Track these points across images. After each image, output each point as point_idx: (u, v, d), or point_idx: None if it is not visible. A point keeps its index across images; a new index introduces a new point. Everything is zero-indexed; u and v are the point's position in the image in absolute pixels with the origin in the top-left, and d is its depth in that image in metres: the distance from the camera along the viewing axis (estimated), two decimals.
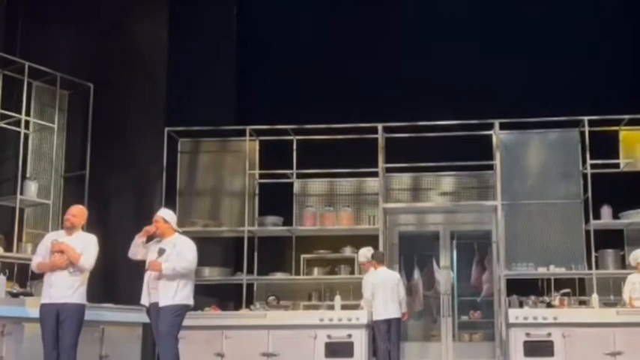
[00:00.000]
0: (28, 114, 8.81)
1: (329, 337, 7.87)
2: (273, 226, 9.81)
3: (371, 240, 9.20)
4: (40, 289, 6.52)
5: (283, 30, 11.14)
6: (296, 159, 9.97)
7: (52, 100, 9.14)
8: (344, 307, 8.57)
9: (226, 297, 9.68)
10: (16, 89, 8.70)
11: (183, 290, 6.20)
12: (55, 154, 9.07)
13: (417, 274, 10.09)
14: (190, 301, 6.31)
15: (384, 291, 8.17)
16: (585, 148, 9.30)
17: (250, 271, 9.55)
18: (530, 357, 7.75)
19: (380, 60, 10.75)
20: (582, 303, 8.68)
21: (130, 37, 9.88)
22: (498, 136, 9.47)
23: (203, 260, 9.86)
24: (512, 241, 9.28)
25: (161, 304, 6.13)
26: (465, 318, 10.00)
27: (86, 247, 6.27)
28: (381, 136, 9.53)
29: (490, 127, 9.53)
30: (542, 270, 9.17)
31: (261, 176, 10.09)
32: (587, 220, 9.27)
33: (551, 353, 7.68)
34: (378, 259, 8.42)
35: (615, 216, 9.31)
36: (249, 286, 9.58)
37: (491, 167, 9.54)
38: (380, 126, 9.53)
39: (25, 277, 7.99)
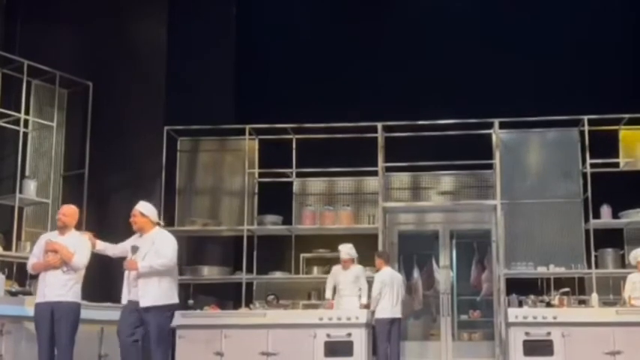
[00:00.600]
0: (27, 113, 8.80)
1: (328, 336, 7.85)
2: (272, 225, 9.81)
3: (370, 239, 9.20)
4: None
5: (283, 29, 11.13)
6: (295, 158, 9.97)
7: (52, 99, 9.13)
8: None
9: (226, 296, 9.67)
10: (16, 88, 8.68)
11: (165, 289, 5.99)
12: (55, 153, 9.06)
13: (416, 274, 10.09)
14: (175, 300, 6.10)
15: (391, 290, 8.26)
16: (585, 148, 9.30)
17: (250, 270, 9.54)
18: (530, 356, 7.74)
19: (379, 59, 10.74)
20: (582, 302, 8.66)
21: (130, 36, 9.87)
22: (498, 135, 9.47)
23: (202, 259, 9.95)
24: (511, 241, 9.28)
25: (142, 304, 5.94)
26: (464, 317, 10.00)
27: (79, 246, 6.25)
28: (380, 135, 9.53)
29: (490, 126, 9.52)
30: (541, 269, 9.17)
31: (261, 175, 10.08)
32: (586, 220, 9.27)
33: (550, 352, 7.67)
34: (385, 259, 8.46)
35: (615, 215, 9.31)
36: (249, 285, 9.57)
37: (490, 166, 9.54)
38: (379, 125, 9.52)
39: (25, 276, 7.96)
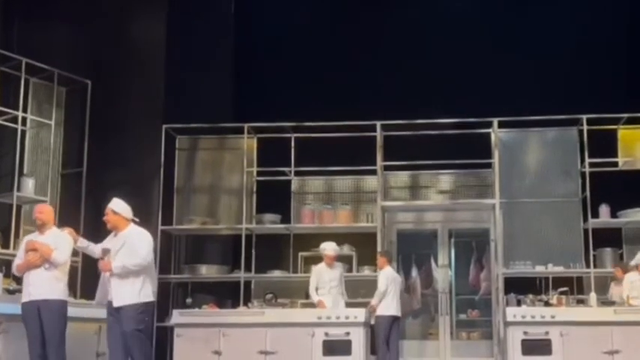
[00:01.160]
0: (25, 110, 8.78)
1: (327, 334, 7.83)
2: (271, 224, 9.80)
3: (369, 238, 9.20)
4: None
5: (282, 27, 11.13)
6: (294, 157, 9.96)
7: (50, 97, 9.11)
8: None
9: (224, 295, 9.67)
10: (14, 86, 8.67)
11: (140, 288, 5.89)
12: (53, 151, 9.04)
13: (415, 273, 10.08)
14: (150, 298, 6.01)
15: (394, 288, 8.31)
16: (584, 147, 9.30)
17: (248, 269, 9.53)
18: (528, 355, 7.72)
19: (378, 58, 10.74)
20: (580, 302, 8.66)
21: (128, 34, 9.86)
22: (497, 134, 9.46)
23: (201, 258, 9.94)
24: (510, 240, 9.28)
25: (116, 304, 5.89)
26: (462, 316, 10.00)
27: (59, 242, 6.23)
28: (379, 134, 9.52)
29: (489, 125, 9.52)
30: (540, 268, 9.17)
31: (259, 174, 10.06)
32: (585, 219, 9.27)
33: (548, 352, 7.65)
34: (388, 258, 8.48)
35: (613, 215, 9.31)
36: (247, 283, 9.56)
37: (489, 165, 9.53)
38: (378, 124, 9.51)
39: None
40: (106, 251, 5.98)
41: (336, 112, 9.57)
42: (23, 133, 8.81)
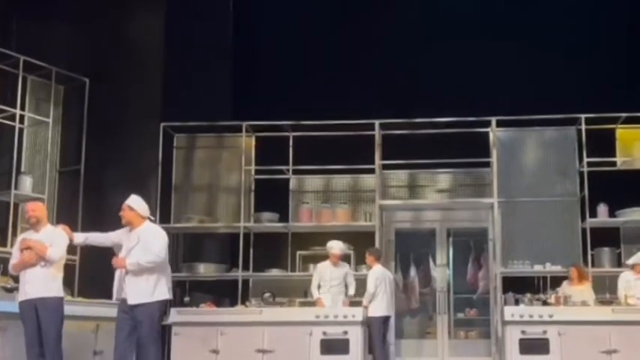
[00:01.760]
0: (23, 108, 8.76)
1: (324, 333, 7.83)
2: (269, 223, 9.79)
3: (367, 237, 9.19)
4: None
5: (280, 26, 11.12)
6: (292, 155, 9.95)
7: (48, 95, 9.10)
8: None
9: (222, 293, 9.66)
10: (11, 83, 8.65)
11: (154, 285, 5.89)
12: (50, 149, 9.03)
13: (413, 272, 10.08)
14: (165, 296, 6.00)
15: (384, 288, 8.26)
16: (582, 146, 9.30)
17: (246, 268, 9.52)
18: (526, 355, 7.73)
19: (377, 57, 10.73)
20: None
21: (127, 32, 9.84)
22: (495, 133, 9.46)
23: (198, 256, 9.92)
24: (508, 239, 9.27)
25: (130, 302, 5.89)
26: (460, 315, 9.99)
27: (54, 239, 6.23)
28: (377, 133, 9.51)
29: (487, 124, 9.52)
30: (538, 268, 9.17)
31: (258, 172, 10.05)
32: (583, 218, 9.27)
33: (546, 351, 7.66)
34: (376, 256, 8.44)
35: (611, 214, 9.31)
36: (245, 282, 9.55)
37: (487, 165, 9.52)
38: (377, 123, 9.51)
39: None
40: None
41: (335, 111, 9.56)
42: (21, 130, 8.79)
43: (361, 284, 8.43)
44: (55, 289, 6.19)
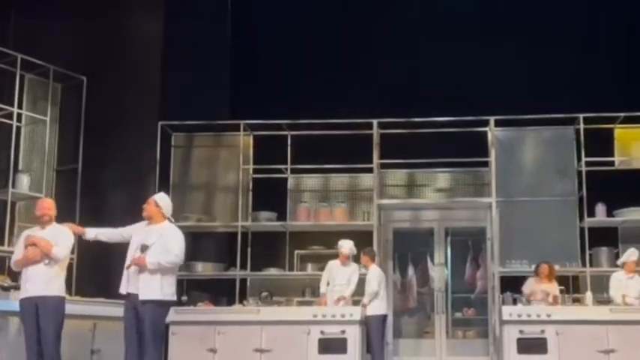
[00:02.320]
0: (20, 107, 8.74)
1: (322, 333, 7.83)
2: (266, 222, 9.78)
3: (365, 236, 9.18)
4: None
5: (278, 25, 11.10)
6: (290, 154, 9.94)
7: (45, 93, 9.08)
8: None
9: (219, 292, 9.64)
10: (9, 82, 8.62)
11: (166, 285, 5.93)
12: (48, 148, 9.01)
13: (411, 271, 10.08)
14: (173, 297, 6.05)
15: (383, 287, 8.35)
16: (580, 146, 9.30)
17: (243, 267, 9.51)
18: (524, 354, 7.73)
19: (375, 56, 10.72)
20: (576, 300, 8.67)
21: (124, 31, 9.82)
22: (493, 132, 9.46)
23: (196, 255, 9.90)
24: (506, 238, 9.27)
25: (142, 297, 5.88)
26: (458, 315, 9.99)
27: (60, 237, 6.21)
28: (376, 132, 9.51)
29: (485, 123, 9.52)
30: None
31: (255, 171, 10.04)
32: (581, 218, 9.27)
33: (544, 350, 7.66)
34: (372, 256, 8.46)
35: (609, 214, 9.32)
36: (243, 281, 9.54)
37: (486, 164, 9.53)
38: (375, 122, 9.50)
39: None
40: (145, 247, 5.93)
41: (333, 110, 9.55)
42: (18, 129, 8.77)
43: (359, 283, 8.41)
44: (57, 288, 6.17)
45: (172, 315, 7.93)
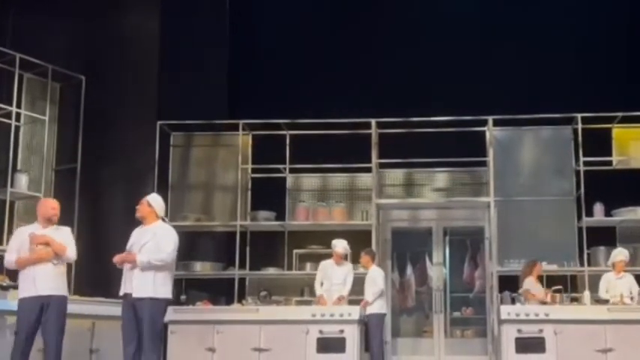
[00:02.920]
0: (19, 106, 8.73)
1: (321, 332, 7.84)
2: (265, 221, 9.79)
3: (364, 236, 9.19)
4: None
5: (277, 24, 11.11)
6: (289, 154, 9.95)
7: (44, 93, 9.07)
8: None
9: (218, 292, 9.65)
10: (7, 81, 8.62)
11: (160, 283, 5.94)
12: (46, 147, 9.00)
13: (409, 270, 10.09)
14: (168, 295, 6.06)
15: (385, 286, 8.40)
16: (578, 146, 9.32)
17: (242, 266, 9.52)
18: (522, 353, 7.74)
19: (374, 55, 10.73)
20: (574, 300, 8.69)
21: (123, 30, 9.82)
22: (492, 132, 9.47)
23: (195, 255, 9.91)
24: (504, 238, 9.28)
25: (135, 295, 5.90)
26: (457, 314, 10.00)
27: (67, 238, 6.26)
28: (374, 132, 9.52)
29: (484, 123, 9.53)
30: None
31: (254, 171, 10.05)
32: (579, 217, 9.29)
33: (542, 350, 7.67)
34: (373, 256, 8.48)
35: (608, 213, 9.33)
36: (241, 280, 9.55)
37: (484, 164, 9.54)
38: (373, 121, 9.51)
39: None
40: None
41: (331, 110, 9.57)
42: (17, 128, 8.76)
43: (358, 283, 8.43)
44: (64, 288, 6.24)
45: (171, 314, 7.97)
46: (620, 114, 9.28)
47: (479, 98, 9.89)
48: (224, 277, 9.63)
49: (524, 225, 9.43)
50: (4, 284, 7.20)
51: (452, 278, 10.13)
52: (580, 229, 9.20)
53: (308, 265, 9.59)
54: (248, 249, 9.67)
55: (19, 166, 8.78)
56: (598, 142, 9.43)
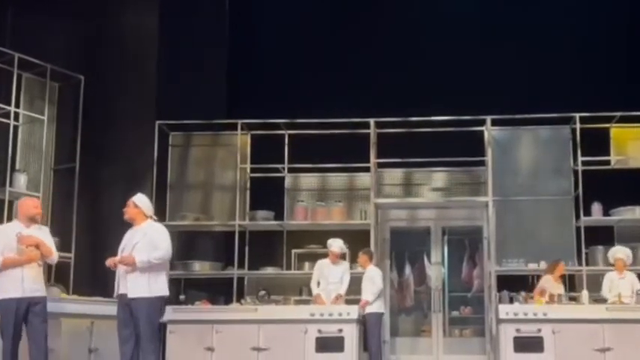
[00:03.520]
0: (17, 106, 8.72)
1: (320, 331, 7.84)
2: (264, 221, 9.79)
3: (362, 235, 9.20)
4: None
5: (276, 24, 11.11)
6: (288, 153, 9.95)
7: (42, 92, 9.06)
8: None
9: (217, 291, 9.65)
10: (6, 81, 8.61)
11: (156, 281, 5.92)
12: (45, 147, 8.99)
13: (408, 270, 10.10)
14: (165, 292, 6.03)
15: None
16: (576, 145, 9.33)
17: (241, 266, 9.52)
18: (520, 353, 7.75)
19: (373, 55, 10.74)
20: (572, 299, 8.70)
21: (121, 30, 9.82)
22: (490, 132, 9.48)
23: (194, 254, 9.92)
24: (503, 237, 9.29)
25: (131, 295, 5.88)
26: (455, 313, 10.02)
27: (48, 239, 6.28)
28: (373, 131, 9.52)
29: (482, 123, 9.54)
30: (532, 266, 9.20)
31: (253, 170, 10.06)
32: (577, 217, 9.30)
33: (540, 349, 7.68)
34: (370, 255, 8.49)
35: (606, 213, 9.35)
36: (240, 280, 9.55)
37: (482, 163, 9.54)
38: (372, 121, 9.51)
39: None
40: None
41: (330, 109, 9.57)
42: (15, 128, 8.75)
43: (355, 282, 8.44)
44: (44, 289, 6.26)
45: (170, 314, 7.99)
46: (618, 114, 9.29)
47: (477, 98, 9.90)
48: (223, 276, 9.64)
49: (523, 224, 9.44)
50: None
51: (450, 278, 10.15)
52: (578, 229, 9.22)
53: (307, 265, 9.59)
54: (247, 248, 9.68)
55: (17, 166, 8.77)
56: (596, 142, 9.44)
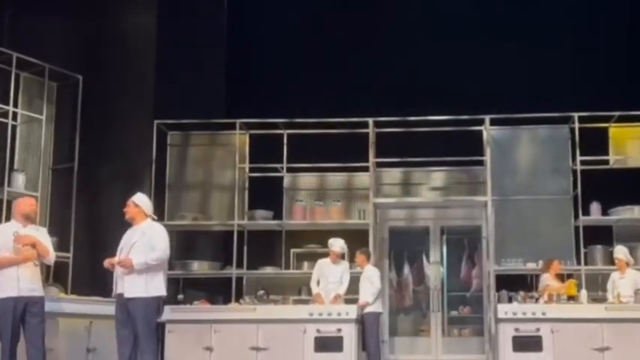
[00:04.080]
0: (15, 105, 8.71)
1: (318, 331, 7.84)
2: (263, 220, 9.79)
3: (361, 235, 9.20)
4: None
5: (274, 23, 11.11)
6: (286, 153, 9.95)
7: (41, 92, 9.05)
8: None
9: (216, 291, 9.64)
10: (4, 80, 8.60)
11: (153, 281, 5.92)
12: (44, 146, 8.98)
13: (406, 269, 10.10)
14: (162, 292, 6.03)
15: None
16: (575, 145, 9.33)
17: (240, 265, 9.52)
18: (519, 352, 7.75)
19: (371, 55, 10.74)
20: (571, 298, 8.68)
21: (120, 29, 9.81)
22: (489, 131, 9.48)
23: (192, 254, 9.92)
24: (501, 237, 9.29)
25: (127, 295, 5.88)
26: (454, 313, 10.03)
27: (45, 239, 6.28)
28: (371, 131, 9.52)
29: (481, 122, 9.54)
30: (531, 265, 9.20)
31: (251, 170, 10.05)
32: (576, 216, 9.30)
33: (539, 348, 7.68)
34: (367, 255, 8.50)
35: (604, 212, 9.35)
36: (239, 280, 9.55)
37: (481, 163, 9.55)
38: (371, 120, 9.51)
39: None
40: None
41: (329, 109, 9.57)
42: (14, 128, 8.74)
43: (353, 282, 8.44)
44: (42, 289, 6.26)
45: (169, 313, 7.98)
46: (617, 113, 9.30)
47: (476, 97, 9.91)
48: (221, 276, 9.63)
49: (522, 224, 9.44)
50: None
51: (449, 277, 10.15)
52: (577, 228, 9.23)
53: (305, 264, 9.59)
54: (245, 248, 9.67)
55: (15, 166, 8.76)
56: (595, 142, 9.44)
